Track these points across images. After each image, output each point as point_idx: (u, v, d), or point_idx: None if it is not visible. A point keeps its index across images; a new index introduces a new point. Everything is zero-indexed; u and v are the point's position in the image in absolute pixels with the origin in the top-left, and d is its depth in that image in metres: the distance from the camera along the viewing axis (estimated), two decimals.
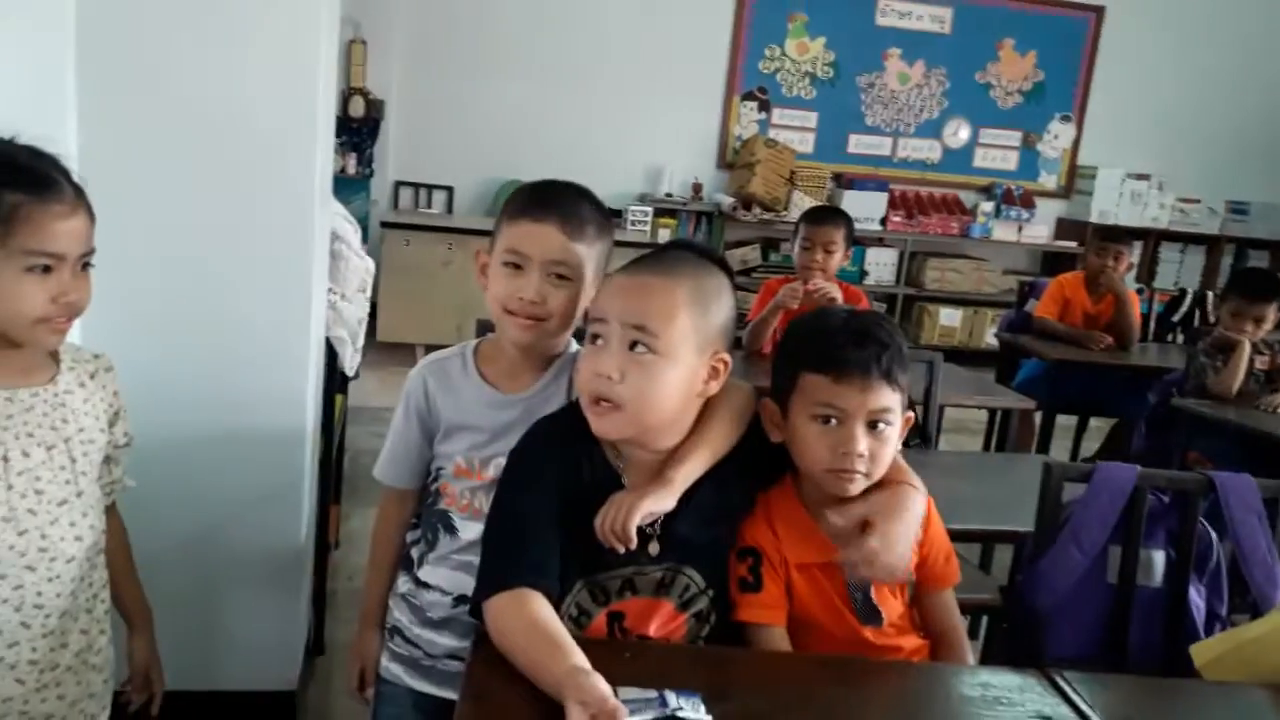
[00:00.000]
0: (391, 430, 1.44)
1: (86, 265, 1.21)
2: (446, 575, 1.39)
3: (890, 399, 1.25)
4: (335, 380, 2.44)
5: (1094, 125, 6.69)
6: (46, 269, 1.16)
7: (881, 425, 1.25)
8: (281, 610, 2.09)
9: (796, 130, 6.45)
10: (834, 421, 1.24)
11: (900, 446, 1.31)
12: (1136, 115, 6.63)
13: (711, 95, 6.40)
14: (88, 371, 1.32)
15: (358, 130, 5.89)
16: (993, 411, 3.66)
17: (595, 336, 1.22)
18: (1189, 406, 3.16)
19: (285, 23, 1.83)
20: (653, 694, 1.00)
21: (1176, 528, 1.66)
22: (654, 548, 1.25)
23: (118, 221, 1.68)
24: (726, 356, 1.26)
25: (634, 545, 1.20)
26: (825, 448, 1.24)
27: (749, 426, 1.33)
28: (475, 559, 1.28)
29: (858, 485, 1.26)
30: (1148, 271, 6.71)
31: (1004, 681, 1.23)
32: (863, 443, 1.23)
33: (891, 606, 1.31)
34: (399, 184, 6.17)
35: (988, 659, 1.96)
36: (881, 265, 6.47)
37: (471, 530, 1.37)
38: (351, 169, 5.87)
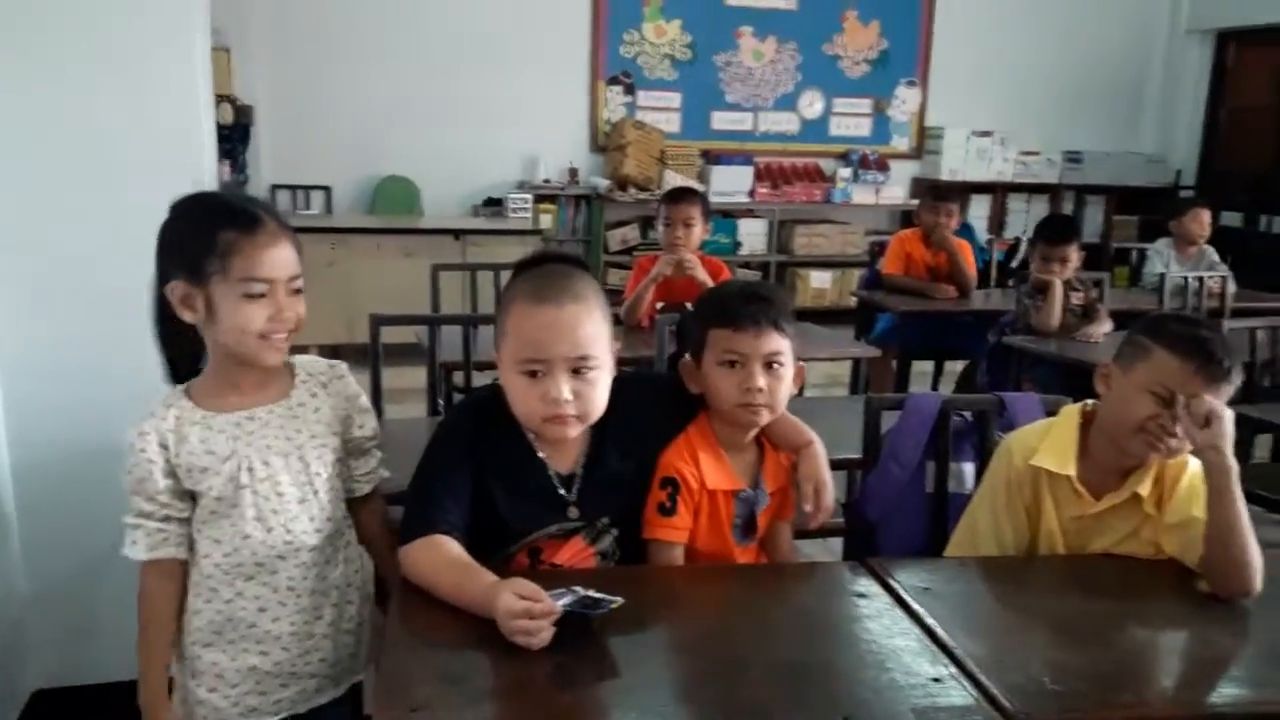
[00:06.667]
0: None
1: (296, 290, 1.41)
2: None
3: (780, 344, 1.53)
4: None
5: (938, 88, 7.13)
6: (261, 294, 1.36)
7: (776, 365, 1.53)
8: None
9: (662, 111, 6.70)
10: (737, 365, 1.52)
11: (795, 392, 1.59)
12: (975, 76, 7.08)
13: (577, 81, 6.58)
14: (320, 382, 1.50)
15: (228, 137, 5.87)
16: (856, 362, 4.01)
17: (532, 373, 1.38)
18: (1017, 343, 3.54)
19: (162, 31, 2.04)
20: (563, 589, 1.23)
21: (979, 442, 1.98)
22: (573, 511, 1.48)
23: (19, 243, 1.78)
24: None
25: None
26: (733, 387, 1.52)
27: (646, 391, 1.59)
28: None
29: (763, 417, 1.55)
30: (997, 222, 7.22)
31: (830, 572, 1.53)
32: (761, 380, 1.51)
33: (761, 525, 1.62)
34: (275, 187, 6.19)
35: None
36: (753, 235, 6.79)
37: None
38: (226, 176, 5.86)
